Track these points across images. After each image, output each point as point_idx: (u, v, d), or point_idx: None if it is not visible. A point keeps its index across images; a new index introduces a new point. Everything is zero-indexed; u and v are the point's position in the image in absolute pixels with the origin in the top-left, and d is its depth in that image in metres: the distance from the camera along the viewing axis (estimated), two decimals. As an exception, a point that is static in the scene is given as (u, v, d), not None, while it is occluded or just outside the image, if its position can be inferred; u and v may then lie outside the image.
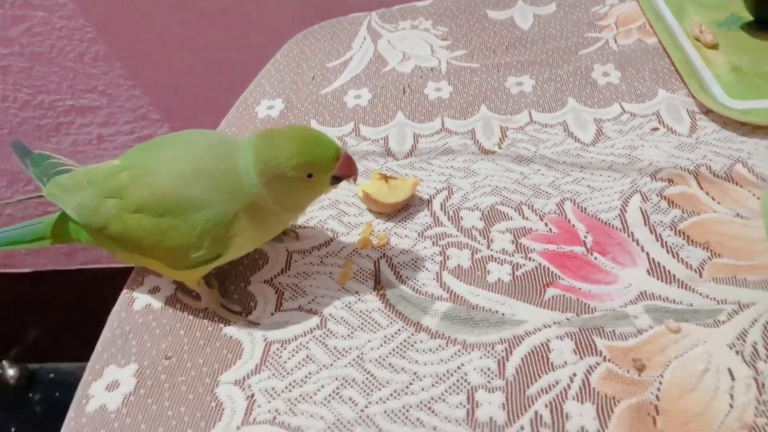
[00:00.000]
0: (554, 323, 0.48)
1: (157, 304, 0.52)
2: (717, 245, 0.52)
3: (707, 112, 0.66)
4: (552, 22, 0.85)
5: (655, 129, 0.65)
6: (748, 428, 0.40)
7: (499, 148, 0.66)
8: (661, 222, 0.55)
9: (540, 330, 0.47)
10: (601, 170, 0.62)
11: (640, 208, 0.56)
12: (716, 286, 0.49)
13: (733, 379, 0.43)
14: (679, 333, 0.46)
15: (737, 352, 0.44)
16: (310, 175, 0.44)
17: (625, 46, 0.78)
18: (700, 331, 0.46)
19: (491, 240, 0.55)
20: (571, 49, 0.79)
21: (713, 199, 0.56)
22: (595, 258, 0.53)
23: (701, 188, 0.57)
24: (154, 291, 0.54)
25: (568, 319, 0.48)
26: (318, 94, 0.77)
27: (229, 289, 0.53)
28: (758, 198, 0.55)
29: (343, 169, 0.46)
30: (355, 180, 0.48)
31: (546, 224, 0.56)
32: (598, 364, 0.45)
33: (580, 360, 0.45)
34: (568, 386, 0.44)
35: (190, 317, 0.51)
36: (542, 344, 0.46)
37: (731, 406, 0.41)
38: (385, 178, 0.59)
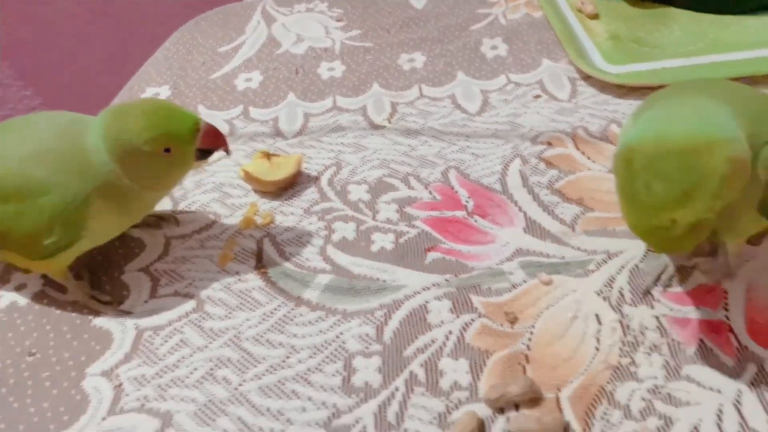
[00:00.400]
0: (433, 285, 0.48)
1: (23, 301, 0.49)
2: (590, 200, 0.53)
3: (587, 78, 0.68)
4: (445, 1, 0.87)
5: (538, 96, 0.67)
6: (612, 368, 0.41)
7: (389, 122, 0.66)
8: (539, 182, 0.56)
9: (419, 293, 0.47)
10: (485, 138, 0.62)
11: (520, 171, 0.57)
12: (587, 238, 0.50)
13: (600, 324, 0.44)
14: (551, 285, 0.47)
15: (604, 298, 0.45)
16: (168, 150, 0.43)
17: (513, 20, 0.80)
18: (570, 281, 0.47)
19: (377, 211, 0.55)
20: (462, 26, 0.80)
21: (588, 158, 0.58)
22: (476, 221, 0.53)
23: (577, 149, 0.59)
24: (20, 288, 0.51)
25: (446, 280, 0.48)
26: (207, 79, 0.75)
27: (102, 279, 0.51)
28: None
29: (207, 141, 0.45)
30: (227, 152, 0.47)
31: (431, 192, 0.56)
32: (473, 320, 0.45)
33: (456, 318, 0.45)
34: (444, 344, 0.44)
35: (58, 312, 0.48)
36: (420, 306, 0.46)
37: (597, 349, 0.42)
38: (268, 156, 0.58)
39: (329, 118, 0.68)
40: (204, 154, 0.46)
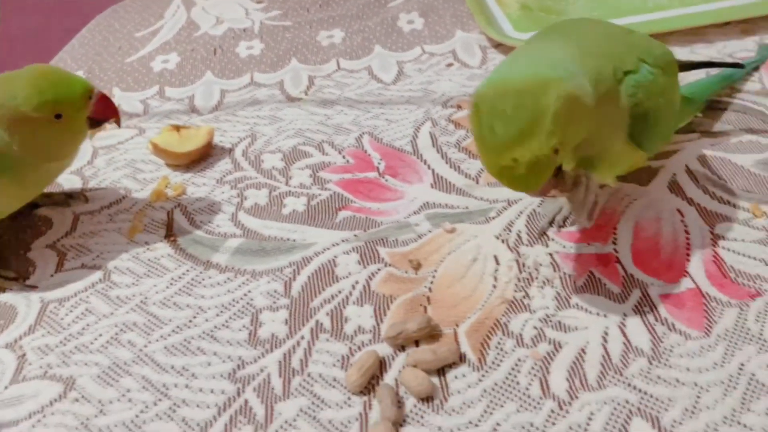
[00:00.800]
0: (342, 241, 0.49)
1: (-73, 280, 0.49)
2: (494, 154, 0.55)
3: (497, 45, 0.70)
4: (363, -20, 0.88)
5: (450, 65, 0.68)
6: (507, 303, 0.43)
7: (306, 95, 0.67)
8: (447, 142, 0.58)
9: (329, 249, 0.48)
10: (399, 105, 0.64)
11: (430, 133, 0.59)
12: (490, 189, 0.52)
13: (498, 264, 0.46)
14: (454, 233, 0.48)
15: (503, 241, 0.47)
16: (58, 116, 0.43)
17: (429, -4, 0.82)
18: (472, 228, 0.49)
19: (290, 177, 0.56)
20: (381, 2, 0.82)
21: (495, 116, 0.60)
22: (386, 180, 0.54)
23: (485, 109, 0.61)
24: (-76, 268, 0.50)
25: (355, 235, 0.49)
26: (123, 62, 0.75)
27: (8, 258, 0.50)
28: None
29: (99, 110, 0.45)
30: (118, 124, 0.47)
31: (344, 157, 0.58)
32: (379, 270, 0.46)
33: (363, 269, 0.46)
34: (350, 293, 0.45)
35: (-39, 290, 0.48)
36: (329, 261, 0.47)
37: (494, 286, 0.44)
38: (177, 128, 0.58)
39: (245, 94, 0.68)
40: (96, 123, 0.46)
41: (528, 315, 0.42)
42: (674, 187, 0.50)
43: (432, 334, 0.41)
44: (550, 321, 0.41)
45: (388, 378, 0.39)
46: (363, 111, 0.63)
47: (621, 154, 0.41)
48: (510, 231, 0.48)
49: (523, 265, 0.45)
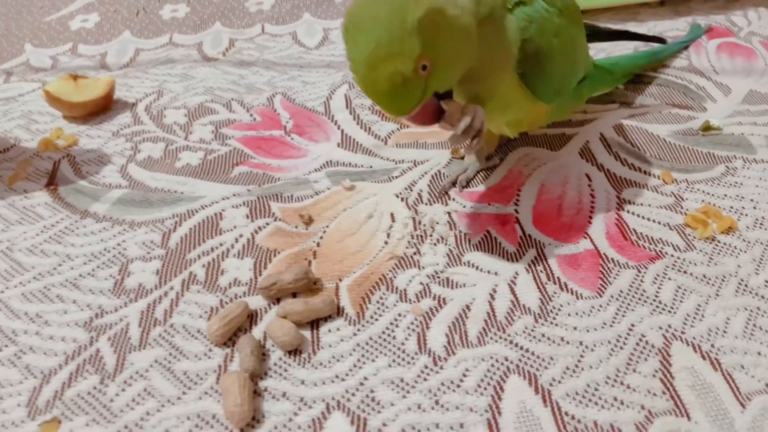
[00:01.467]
0: (233, 195, 0.46)
1: None
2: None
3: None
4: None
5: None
6: (396, 259, 0.40)
7: (223, 55, 0.64)
8: (362, 104, 0.55)
9: (217, 202, 0.45)
10: (318, 68, 0.61)
11: (345, 95, 0.56)
12: (397, 150, 0.49)
13: (393, 221, 0.43)
14: (354, 190, 0.46)
15: (402, 199, 0.45)
16: None
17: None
18: (373, 186, 0.46)
19: (191, 132, 0.53)
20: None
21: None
22: (292, 138, 0.52)
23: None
24: None
25: (249, 190, 0.46)
26: (41, 21, 0.71)
27: None
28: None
29: None
30: None
31: (251, 115, 0.55)
32: (267, 224, 0.43)
33: (250, 223, 0.43)
34: (232, 246, 0.42)
35: None
36: (216, 214, 0.44)
37: (386, 243, 0.41)
38: (75, 78, 0.54)
39: (161, 53, 0.65)
40: None
41: (416, 271, 0.39)
42: (585, 153, 0.48)
43: (311, 287, 0.38)
44: (438, 277, 0.39)
45: (257, 331, 0.36)
46: (280, 72, 0.60)
47: (512, 96, 0.39)
48: (411, 190, 0.46)
49: (419, 222, 0.43)
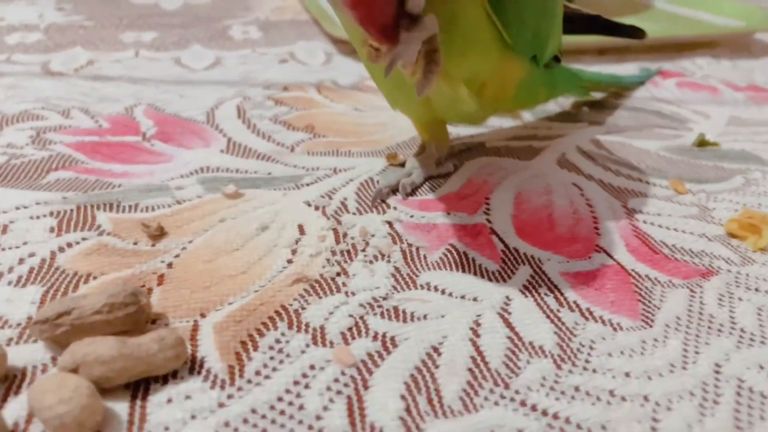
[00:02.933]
0: (36, 203, 0.28)
1: None
2: (322, 128, 0.39)
3: (343, 51, 0.57)
4: (201, 7, 0.75)
5: (284, 61, 0.54)
6: (306, 281, 0.24)
7: (75, 72, 0.48)
8: (260, 115, 0.40)
9: (5, 212, 0.28)
10: (204, 85, 0.47)
11: (238, 106, 0.42)
12: (309, 157, 0.34)
13: (303, 233, 0.27)
14: (239, 198, 0.30)
15: (317, 208, 0.29)
16: None
17: (272, 20, 0.70)
18: (271, 194, 0.30)
19: (-5, 137, 0.36)
20: (216, 20, 0.68)
21: (330, 100, 0.44)
22: (152, 144, 0.35)
23: (319, 93, 0.45)
24: None
25: (65, 197, 0.29)
26: None
27: None
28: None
29: None
30: None
31: (96, 121, 0.38)
32: (84, 239, 0.26)
33: (54, 238, 0.26)
34: (9, 270, 0.24)
35: None
36: (4, 226, 0.26)
37: (290, 261, 0.25)
38: None
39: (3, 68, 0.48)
40: None
41: (341, 298, 0.23)
42: (565, 164, 0.35)
43: (141, 326, 0.20)
44: (380, 306, 0.22)
45: (16, 406, 0.18)
46: (152, 87, 0.45)
47: (476, 30, 0.26)
48: (331, 198, 0.30)
49: (344, 235, 0.27)
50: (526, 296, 0.24)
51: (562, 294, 0.24)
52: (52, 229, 0.26)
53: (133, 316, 0.20)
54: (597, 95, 0.47)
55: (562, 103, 0.45)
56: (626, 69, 0.57)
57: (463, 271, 0.25)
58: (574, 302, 0.23)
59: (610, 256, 0.27)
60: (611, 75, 0.48)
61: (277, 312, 0.22)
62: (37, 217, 0.27)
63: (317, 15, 0.62)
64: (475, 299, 0.23)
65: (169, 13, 0.71)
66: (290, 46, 0.59)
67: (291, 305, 0.22)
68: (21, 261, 0.24)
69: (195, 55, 0.55)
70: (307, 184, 0.31)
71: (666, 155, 0.37)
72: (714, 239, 0.28)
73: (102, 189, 0.30)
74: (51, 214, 0.27)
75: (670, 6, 0.74)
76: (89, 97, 0.43)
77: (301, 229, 0.27)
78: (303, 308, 0.22)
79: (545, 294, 0.24)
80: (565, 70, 0.39)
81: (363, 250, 0.26)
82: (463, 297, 0.23)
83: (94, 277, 0.23)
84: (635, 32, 0.41)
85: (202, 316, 0.22)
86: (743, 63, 0.58)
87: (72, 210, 0.28)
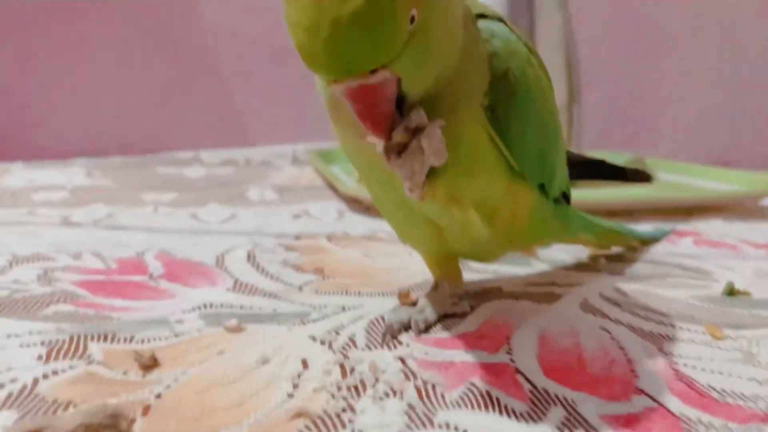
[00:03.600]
0: (29, 333, 0.26)
1: None
2: (330, 271, 0.38)
3: (355, 210, 0.58)
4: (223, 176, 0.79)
5: (298, 216, 0.55)
6: (307, 417, 0.21)
7: (94, 223, 0.49)
8: (271, 259, 0.40)
9: (-6, 340, 0.26)
10: (216, 234, 0.47)
11: (249, 251, 0.41)
12: (316, 295, 0.33)
13: (305, 367, 0.24)
14: (241, 332, 0.28)
15: (323, 342, 0.27)
16: None
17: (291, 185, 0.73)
18: (274, 329, 0.28)
19: (1, 273, 0.35)
20: (235, 184, 0.71)
21: (340, 247, 0.44)
22: (156, 283, 0.34)
23: (329, 241, 0.45)
24: None
25: (59, 328, 0.27)
26: None
27: None
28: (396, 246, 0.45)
29: None
30: None
31: (104, 262, 0.38)
32: (71, 367, 0.23)
33: (40, 365, 0.23)
34: (-18, 394, 0.21)
35: None
36: (-16, 354, 0.24)
37: (290, 395, 0.22)
38: None
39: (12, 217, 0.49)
40: None
41: (346, 434, 0.20)
42: (589, 309, 0.33)
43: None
44: (392, 445, 0.20)
45: None
46: (166, 235, 0.46)
47: (480, 148, 0.25)
48: (338, 333, 0.28)
49: (352, 370, 0.24)
50: (561, 437, 0.21)
51: (601, 436, 0.21)
52: (40, 357, 0.24)
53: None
54: (613, 249, 0.46)
55: (579, 255, 0.45)
56: (639, 228, 0.57)
57: (487, 410, 0.22)
58: (618, 445, 0.20)
59: (654, 399, 0.24)
60: (627, 227, 0.48)
61: (273, 447, 0.19)
62: (27, 345, 0.25)
63: (331, 178, 0.65)
64: (501, 439, 0.20)
65: (191, 179, 0.74)
66: (304, 205, 0.60)
67: (289, 441, 0.20)
68: (1, 386, 0.22)
69: (211, 211, 0.56)
70: (314, 320, 0.30)
71: (696, 303, 0.36)
72: (765, 383, 0.26)
73: (99, 321, 0.28)
74: (42, 343, 0.26)
75: (673, 176, 0.77)
76: (103, 243, 0.43)
77: (305, 363, 0.25)
78: (303, 444, 0.19)
79: (582, 435, 0.21)
80: (579, 212, 0.39)
81: (373, 386, 0.23)
82: (487, 437, 0.20)
83: (74, 405, 0.21)
84: (642, 176, 0.41)
85: (188, 449, 0.19)
86: (757, 224, 0.58)
87: (64, 340, 0.26)
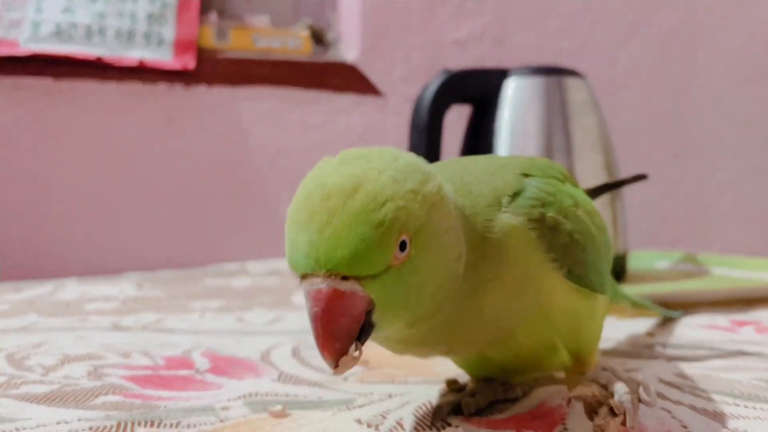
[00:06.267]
0: (78, 420, 0.26)
1: None
2: (377, 362, 0.37)
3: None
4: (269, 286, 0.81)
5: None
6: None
7: (143, 328, 0.50)
8: (316, 354, 0.39)
9: (44, 426, 0.26)
10: (262, 334, 0.47)
11: (293, 347, 0.41)
12: (360, 384, 0.32)
13: (352, 449, 0.23)
14: (285, 417, 0.27)
15: (369, 425, 0.26)
16: None
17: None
18: (319, 414, 0.27)
19: (53, 370, 0.35)
20: (279, 290, 0.73)
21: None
22: (203, 376, 0.34)
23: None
24: None
25: (107, 415, 0.27)
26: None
27: None
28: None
29: None
30: None
31: (152, 359, 0.38)
32: (117, 449, 0.23)
33: (86, 449, 0.23)
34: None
35: None
36: (31, 439, 0.24)
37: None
38: None
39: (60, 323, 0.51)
40: None
41: None
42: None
43: None
44: None
45: None
46: (212, 336, 0.46)
47: (575, 306, 0.26)
48: (384, 418, 0.27)
49: (399, 450, 0.23)
50: None
51: None
52: (85, 442, 0.24)
53: None
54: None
55: (635, 341, 0.43)
56: (694, 319, 0.55)
57: (545, 486, 0.21)
58: None
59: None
60: (647, 300, 0.47)
61: None
62: (76, 431, 0.25)
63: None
64: None
65: (238, 288, 0.76)
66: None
67: None
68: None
69: (257, 314, 0.57)
70: (360, 406, 0.29)
71: (762, 384, 0.33)
72: None
73: (146, 409, 0.28)
74: (90, 429, 0.26)
75: (728, 270, 0.74)
76: (151, 343, 0.44)
77: (352, 445, 0.24)
78: None
79: None
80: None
81: (423, 464, 0.22)
82: None
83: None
84: (637, 178, 0.42)
85: None
86: (821, 310, 0.55)
87: (112, 425, 0.26)
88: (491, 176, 0.27)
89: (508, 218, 0.25)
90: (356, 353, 0.20)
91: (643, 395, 0.25)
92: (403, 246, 0.20)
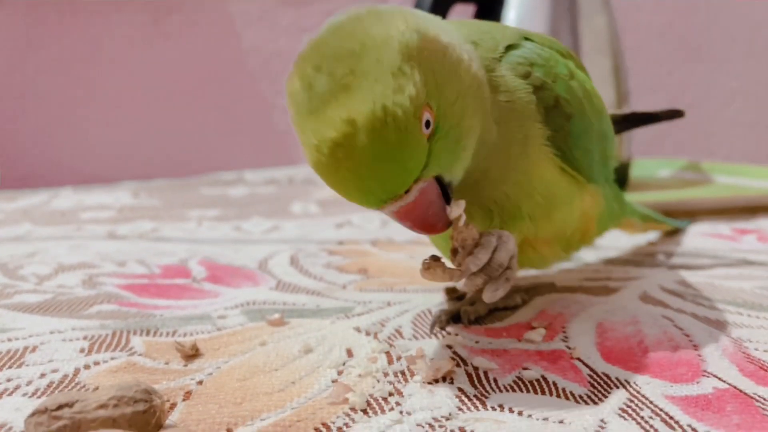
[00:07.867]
0: (72, 329, 0.26)
1: None
2: (375, 271, 0.37)
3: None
4: (266, 194, 0.79)
5: (341, 226, 0.54)
6: (348, 402, 0.20)
7: (140, 237, 0.50)
8: (314, 262, 0.39)
9: (37, 335, 0.26)
10: (259, 243, 0.47)
11: (291, 256, 0.41)
12: (360, 293, 0.32)
13: (350, 356, 0.23)
14: (283, 326, 0.27)
15: (368, 333, 0.26)
16: None
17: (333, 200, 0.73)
18: (317, 323, 0.27)
19: (47, 279, 0.35)
20: (277, 199, 0.72)
21: (384, 251, 0.43)
22: (200, 285, 0.34)
23: (373, 246, 0.44)
24: None
25: (102, 324, 0.27)
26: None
27: None
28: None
29: None
30: None
31: (148, 267, 0.38)
32: (112, 359, 0.23)
33: (82, 357, 0.23)
34: (28, 383, 0.21)
35: None
36: (25, 348, 0.24)
37: (334, 381, 0.21)
38: None
39: (56, 232, 0.50)
40: None
41: (395, 416, 0.19)
42: (649, 300, 0.31)
43: (146, 423, 0.17)
44: (442, 427, 0.18)
45: None
46: (209, 245, 0.46)
47: (553, 182, 0.25)
48: (384, 325, 0.27)
49: (399, 358, 0.23)
50: (626, 419, 0.19)
51: (671, 417, 0.19)
52: (82, 350, 0.24)
53: (142, 417, 0.16)
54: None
55: (637, 250, 0.43)
56: (696, 228, 0.55)
57: (543, 393, 0.21)
58: (689, 425, 0.18)
59: (723, 381, 0.22)
60: (657, 213, 0.46)
61: (316, 429, 0.18)
62: (70, 340, 0.25)
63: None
64: (561, 422, 0.19)
65: (235, 198, 0.75)
66: (347, 216, 0.60)
67: (333, 422, 0.18)
68: (42, 375, 0.22)
69: (254, 223, 0.56)
70: (358, 314, 0.29)
71: (765, 293, 0.33)
72: None
73: (142, 318, 0.28)
74: (84, 337, 0.26)
75: (732, 179, 0.73)
76: (147, 252, 0.43)
77: (349, 352, 0.24)
78: (348, 426, 0.18)
79: (649, 417, 0.19)
80: (624, 196, 0.38)
81: (420, 371, 0.22)
82: (546, 419, 0.19)
83: (113, 393, 0.20)
84: (673, 114, 0.39)
85: (229, 431, 0.18)
86: (824, 219, 0.54)
87: (107, 335, 0.26)
88: (496, 30, 0.26)
89: (503, 70, 0.24)
90: (455, 207, 0.22)
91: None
92: (428, 123, 0.20)
